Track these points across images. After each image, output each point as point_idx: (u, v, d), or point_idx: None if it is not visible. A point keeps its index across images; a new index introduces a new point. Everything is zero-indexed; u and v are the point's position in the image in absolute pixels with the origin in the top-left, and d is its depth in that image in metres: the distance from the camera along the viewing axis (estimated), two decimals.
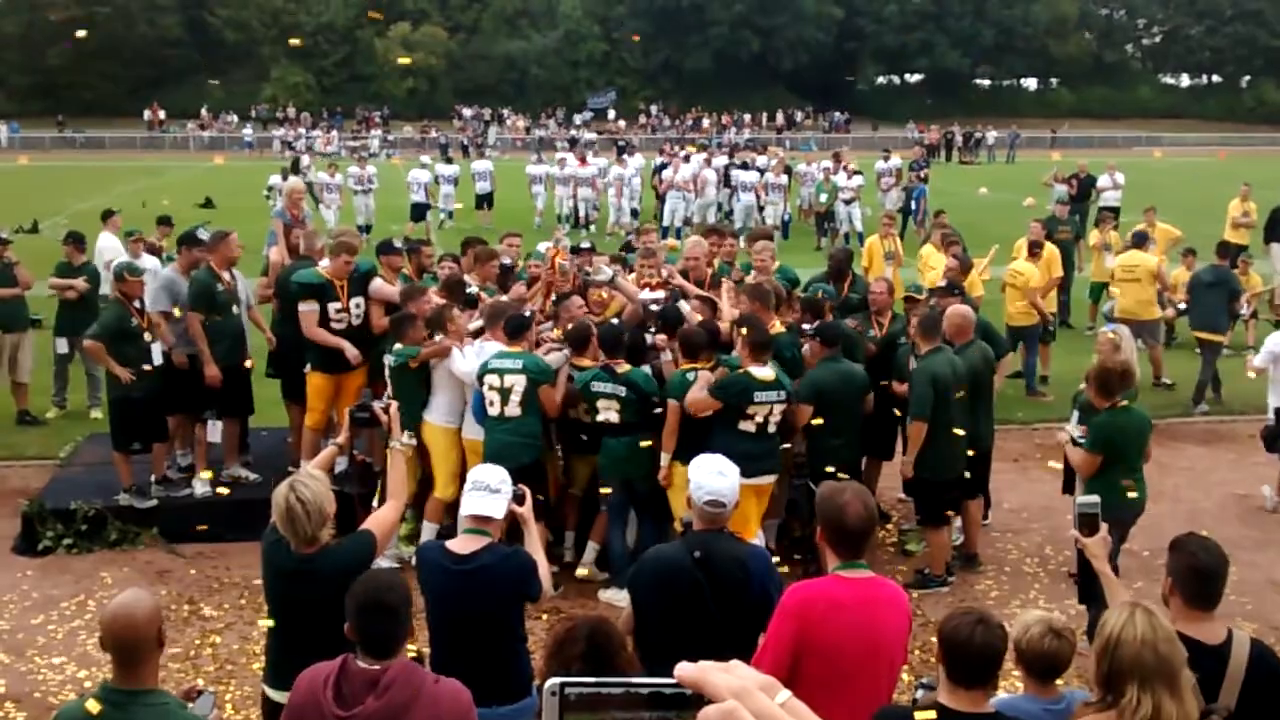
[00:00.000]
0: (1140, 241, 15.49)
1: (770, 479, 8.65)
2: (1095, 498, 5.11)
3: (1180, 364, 15.40)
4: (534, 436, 8.80)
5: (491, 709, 5.08)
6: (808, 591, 4.76)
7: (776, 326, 9.26)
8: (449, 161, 32.90)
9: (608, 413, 8.87)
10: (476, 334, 9.47)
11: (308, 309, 9.97)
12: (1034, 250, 14.72)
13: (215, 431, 10.73)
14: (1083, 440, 8.09)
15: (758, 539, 7.98)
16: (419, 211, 28.43)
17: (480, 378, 8.79)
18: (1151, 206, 17.97)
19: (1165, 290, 15.43)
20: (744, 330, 8.56)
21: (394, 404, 6.08)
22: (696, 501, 5.28)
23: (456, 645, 5.30)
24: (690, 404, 8.46)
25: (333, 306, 10.04)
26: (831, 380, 9.05)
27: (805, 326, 9.68)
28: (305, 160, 31.37)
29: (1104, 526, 4.99)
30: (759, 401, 8.36)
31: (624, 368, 8.91)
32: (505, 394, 8.64)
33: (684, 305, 9.80)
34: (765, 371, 8.42)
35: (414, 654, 4.65)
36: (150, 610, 4.22)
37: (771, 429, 8.51)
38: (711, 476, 5.24)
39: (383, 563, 9.20)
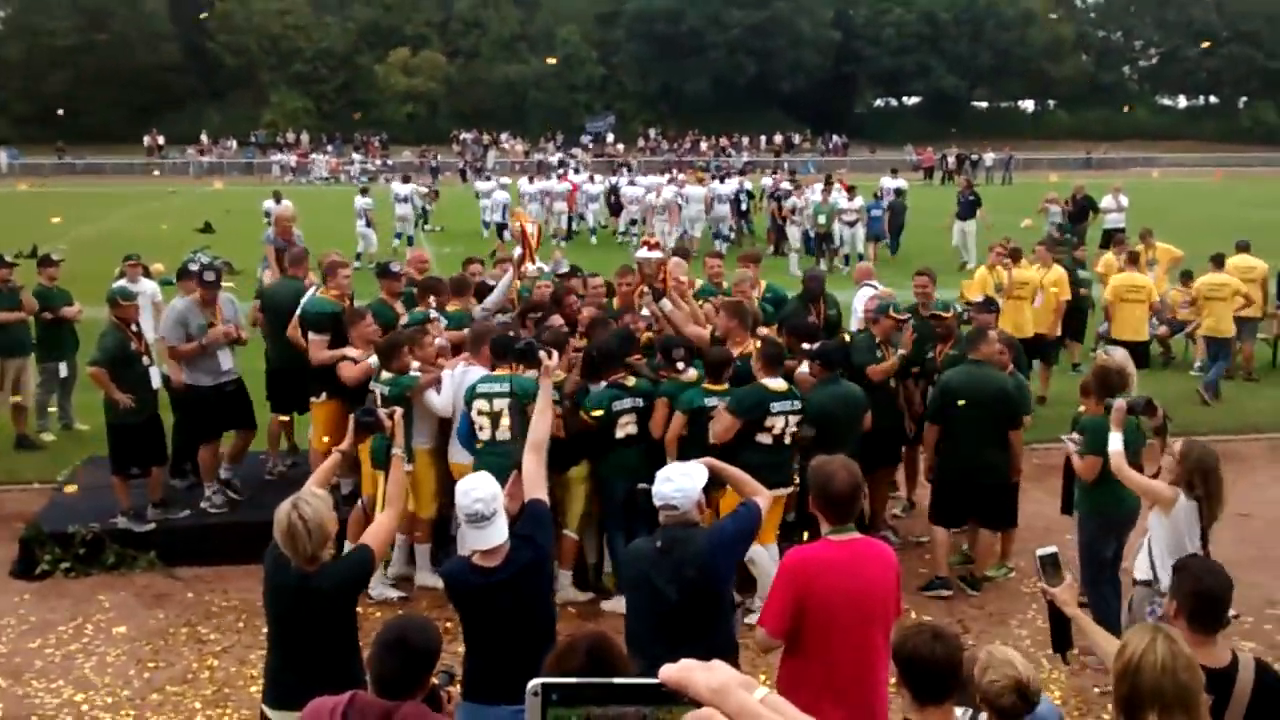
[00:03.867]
0: (1221, 263, 16.11)
1: (786, 490, 8.72)
2: (1053, 548, 5.10)
3: (1181, 383, 15.52)
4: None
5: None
6: (802, 554, 5.38)
7: (749, 347, 9.39)
8: (487, 178, 38.60)
9: (627, 428, 8.96)
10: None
11: (319, 339, 9.98)
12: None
13: None
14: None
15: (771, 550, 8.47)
16: (501, 231, 30.39)
17: (469, 402, 8.77)
18: (1149, 229, 18.00)
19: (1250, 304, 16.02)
20: (758, 344, 8.97)
21: (398, 410, 6.08)
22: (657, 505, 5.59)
23: (495, 648, 5.39)
24: (715, 437, 8.58)
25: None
26: (831, 403, 9.13)
27: (805, 347, 9.73)
28: (413, 185, 33.11)
29: (1068, 576, 5.01)
30: (775, 412, 8.56)
31: (631, 381, 9.02)
32: (495, 418, 8.62)
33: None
34: (778, 382, 8.66)
35: (446, 668, 4.64)
36: None
37: (787, 440, 8.68)
38: (659, 483, 5.51)
39: (390, 593, 9.27)
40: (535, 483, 5.63)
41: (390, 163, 65.56)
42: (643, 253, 10.52)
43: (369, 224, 28.21)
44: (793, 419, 8.67)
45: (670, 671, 1.21)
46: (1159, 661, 3.79)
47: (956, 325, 10.15)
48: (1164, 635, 3.90)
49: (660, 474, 5.57)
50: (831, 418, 9.02)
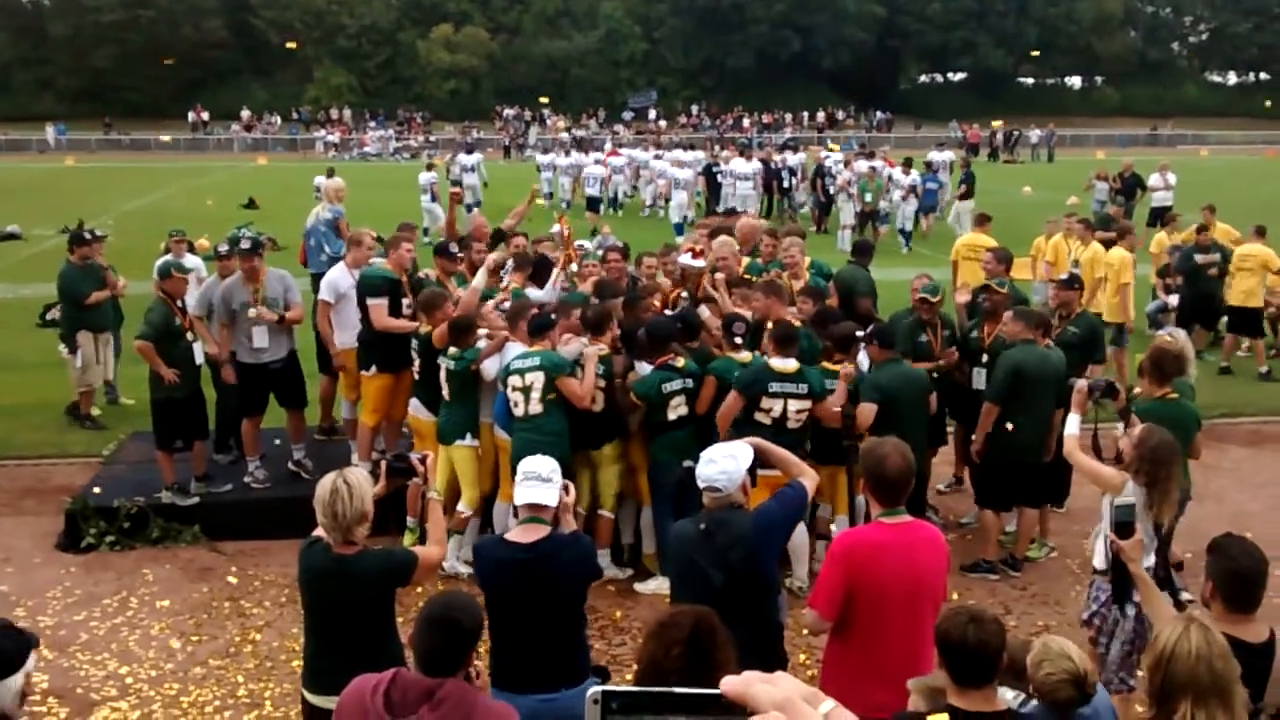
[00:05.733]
0: None
1: None
2: (1131, 499, 5.03)
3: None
4: (557, 434, 8.60)
5: (560, 692, 5.26)
6: (853, 537, 5.45)
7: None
8: (546, 151, 41.16)
9: (678, 410, 8.82)
10: None
11: (378, 303, 9.99)
12: None
13: None
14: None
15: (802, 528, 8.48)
16: (593, 204, 30.73)
17: (504, 379, 8.77)
18: (1210, 205, 17.63)
19: None
20: (769, 325, 8.79)
21: (430, 455, 5.99)
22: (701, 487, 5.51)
23: (523, 633, 5.37)
24: (718, 415, 8.51)
25: (404, 301, 10.10)
26: (894, 382, 8.98)
27: (859, 334, 9.69)
28: (479, 155, 33.41)
29: (1140, 528, 4.92)
30: (773, 393, 8.35)
31: (680, 361, 8.89)
32: (527, 392, 8.60)
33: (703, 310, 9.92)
34: (786, 364, 8.45)
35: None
36: None
37: (791, 424, 8.44)
38: (703, 464, 5.45)
39: (462, 568, 9.27)
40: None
41: (433, 139, 65.71)
42: (685, 259, 10.47)
43: (434, 198, 27.83)
44: (794, 403, 8.41)
45: (732, 684, 1.17)
46: (1193, 650, 3.74)
47: (1007, 303, 9.95)
48: (1198, 624, 3.85)
49: (704, 455, 5.50)
50: (892, 398, 8.84)
